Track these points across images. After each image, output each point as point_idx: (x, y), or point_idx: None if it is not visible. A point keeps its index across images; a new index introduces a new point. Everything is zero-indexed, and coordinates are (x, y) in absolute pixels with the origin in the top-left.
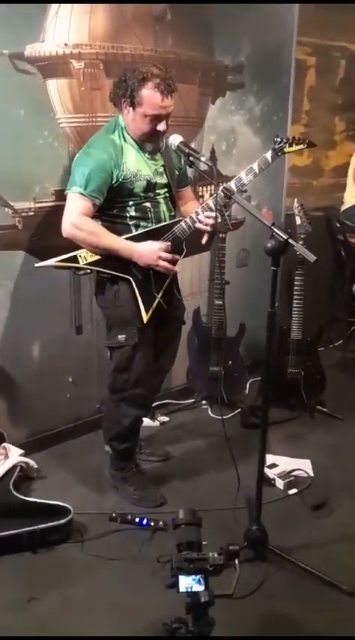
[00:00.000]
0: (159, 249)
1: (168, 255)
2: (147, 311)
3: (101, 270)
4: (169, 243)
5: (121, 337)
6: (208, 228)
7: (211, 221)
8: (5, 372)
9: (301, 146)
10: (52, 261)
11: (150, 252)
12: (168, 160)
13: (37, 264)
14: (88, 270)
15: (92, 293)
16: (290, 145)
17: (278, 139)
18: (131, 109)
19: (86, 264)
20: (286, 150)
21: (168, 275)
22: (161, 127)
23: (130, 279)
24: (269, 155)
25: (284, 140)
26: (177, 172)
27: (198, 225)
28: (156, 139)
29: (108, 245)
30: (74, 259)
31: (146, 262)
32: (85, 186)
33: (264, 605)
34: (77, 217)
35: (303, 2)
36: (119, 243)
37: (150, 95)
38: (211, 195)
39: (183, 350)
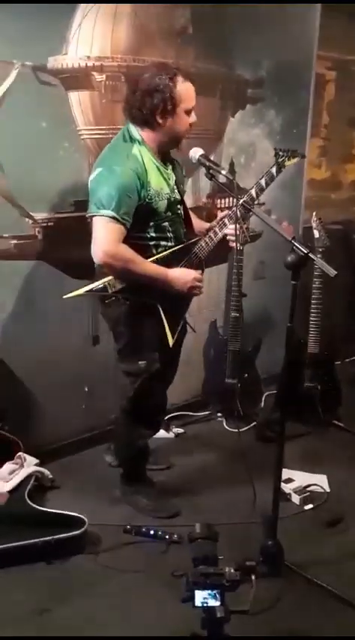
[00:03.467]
0: (194, 278)
1: (200, 284)
2: (172, 335)
3: (129, 297)
4: (200, 272)
5: (142, 363)
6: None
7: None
8: (22, 382)
9: (298, 158)
10: (80, 291)
11: (185, 281)
12: (176, 174)
13: (65, 296)
14: (114, 298)
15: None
16: (289, 159)
17: (281, 153)
18: (172, 111)
19: (114, 291)
20: (286, 163)
21: (192, 297)
22: (193, 118)
23: (157, 304)
24: (274, 170)
25: (285, 154)
26: (181, 186)
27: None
28: (182, 139)
29: (144, 273)
30: (103, 288)
31: (179, 289)
32: (116, 209)
33: (279, 621)
34: (113, 246)
35: (323, 2)
36: (155, 270)
37: (185, 88)
38: (228, 208)
39: (199, 361)
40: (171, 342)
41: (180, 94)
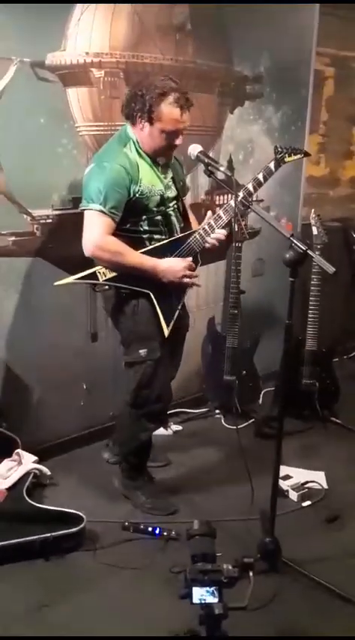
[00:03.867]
0: (184, 267)
1: (193, 273)
2: (167, 324)
3: (121, 285)
4: (191, 260)
5: (143, 352)
6: (222, 239)
7: (223, 237)
8: (20, 379)
9: (299, 155)
10: (71, 279)
11: (175, 270)
12: (174, 172)
13: (56, 283)
14: (106, 287)
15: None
16: (290, 155)
17: (280, 149)
18: (147, 124)
19: (105, 280)
20: (286, 159)
21: (188, 288)
22: (179, 141)
23: (150, 293)
24: (272, 165)
25: (285, 150)
26: (181, 184)
27: (211, 238)
28: (170, 153)
29: (133, 264)
30: (93, 276)
31: (170, 279)
32: (104, 203)
33: (277, 617)
34: (101, 237)
35: (322, 2)
36: (143, 262)
37: (169, 111)
38: (223, 205)
39: (197, 358)
40: (166, 331)
41: (160, 112)
